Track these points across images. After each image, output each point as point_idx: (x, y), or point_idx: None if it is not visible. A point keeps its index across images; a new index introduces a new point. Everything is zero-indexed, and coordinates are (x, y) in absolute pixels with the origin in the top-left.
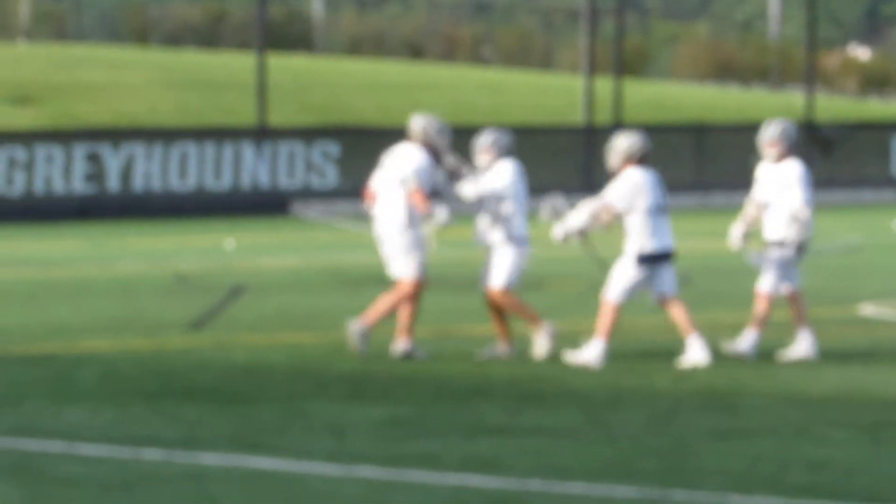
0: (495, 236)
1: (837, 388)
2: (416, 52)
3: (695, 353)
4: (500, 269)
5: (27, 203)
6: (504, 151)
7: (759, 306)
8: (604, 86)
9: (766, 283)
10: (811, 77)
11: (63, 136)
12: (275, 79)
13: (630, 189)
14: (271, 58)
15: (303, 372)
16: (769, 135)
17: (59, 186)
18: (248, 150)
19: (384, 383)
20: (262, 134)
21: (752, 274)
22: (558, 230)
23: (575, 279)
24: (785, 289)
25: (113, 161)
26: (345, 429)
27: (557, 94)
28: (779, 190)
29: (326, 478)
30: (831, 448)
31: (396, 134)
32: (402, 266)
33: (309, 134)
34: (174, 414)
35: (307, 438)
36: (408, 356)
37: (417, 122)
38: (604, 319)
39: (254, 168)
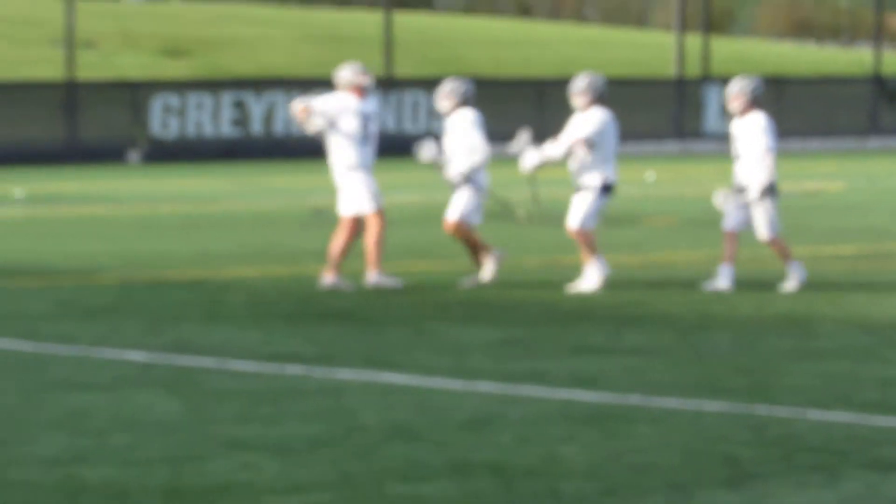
0: (456, 178)
1: None
2: (525, 10)
3: (591, 280)
4: (457, 206)
5: (180, 145)
6: (465, 99)
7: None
8: (693, 42)
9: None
10: (879, 35)
11: (212, 85)
12: (399, 35)
13: (601, 125)
14: (396, 15)
15: (426, 297)
16: (732, 90)
17: (208, 130)
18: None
19: (498, 308)
20: (389, 84)
21: (823, 212)
22: (533, 156)
23: (666, 215)
24: (732, 226)
25: (256, 107)
26: (464, 348)
27: (652, 50)
28: (747, 141)
29: (450, 391)
30: None
31: (508, 85)
32: (347, 205)
33: (431, 84)
34: (313, 334)
35: (432, 356)
36: (334, 288)
37: (342, 72)
38: (587, 248)
39: (381, 115)
